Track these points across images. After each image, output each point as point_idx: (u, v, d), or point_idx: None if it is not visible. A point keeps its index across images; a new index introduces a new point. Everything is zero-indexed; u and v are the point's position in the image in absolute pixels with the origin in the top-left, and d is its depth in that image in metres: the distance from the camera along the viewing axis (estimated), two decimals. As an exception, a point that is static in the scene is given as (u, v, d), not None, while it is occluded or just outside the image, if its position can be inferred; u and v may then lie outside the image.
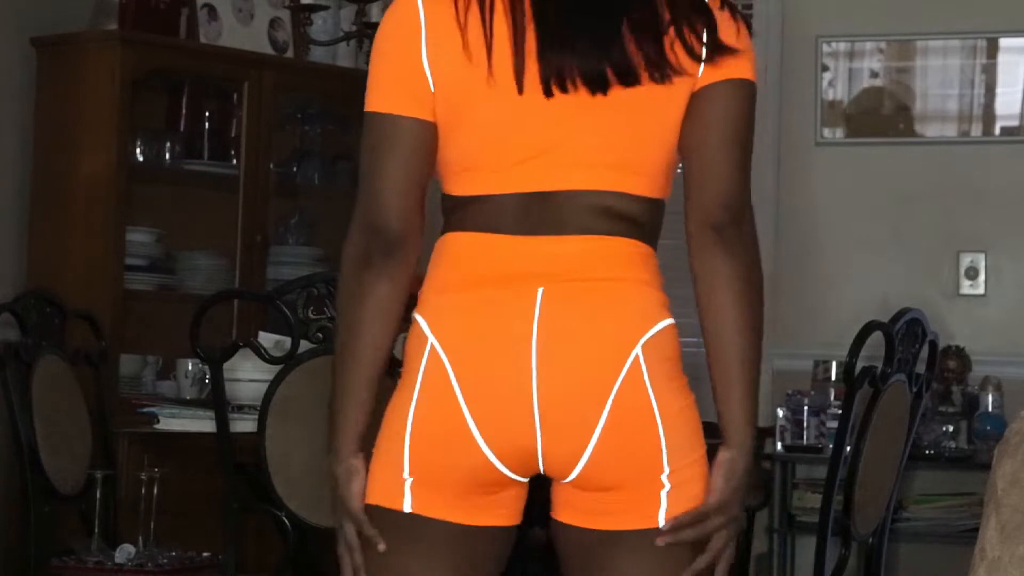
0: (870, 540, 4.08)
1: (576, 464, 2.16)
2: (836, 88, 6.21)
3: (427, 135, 2.22)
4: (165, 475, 4.26)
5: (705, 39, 2.21)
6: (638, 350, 2.16)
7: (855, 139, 6.19)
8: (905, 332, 3.98)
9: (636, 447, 2.16)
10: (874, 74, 6.21)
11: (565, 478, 2.19)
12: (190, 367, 5.18)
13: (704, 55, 2.20)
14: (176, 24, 5.64)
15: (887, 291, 5.90)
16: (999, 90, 6.06)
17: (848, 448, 3.98)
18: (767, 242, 6.19)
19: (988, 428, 5.64)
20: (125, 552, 4.20)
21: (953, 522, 5.60)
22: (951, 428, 5.72)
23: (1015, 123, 6.06)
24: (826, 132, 6.19)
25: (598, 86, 2.16)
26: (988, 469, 2.39)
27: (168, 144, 5.69)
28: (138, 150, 5.59)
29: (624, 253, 2.20)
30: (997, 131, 6.09)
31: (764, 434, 5.76)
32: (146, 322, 5.59)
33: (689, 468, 2.21)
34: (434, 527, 2.20)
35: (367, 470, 2.25)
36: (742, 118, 2.27)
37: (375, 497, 2.25)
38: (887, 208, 6.08)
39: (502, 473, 2.18)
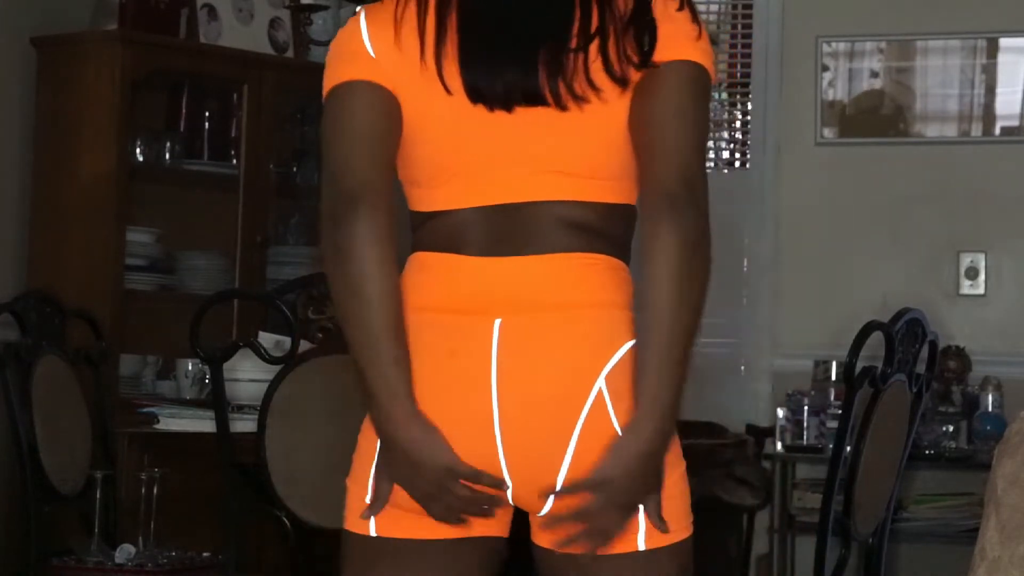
0: (870, 540, 4.08)
1: (545, 504, 2.14)
2: (836, 88, 6.21)
3: (382, 94, 2.19)
4: (165, 475, 4.26)
5: (646, 47, 2.15)
6: (600, 383, 2.10)
7: (855, 139, 6.19)
8: (905, 332, 3.98)
9: None
10: (874, 74, 6.21)
11: (537, 513, 2.17)
12: (190, 367, 5.18)
13: (640, 61, 2.15)
14: (176, 24, 5.64)
15: (887, 291, 5.90)
16: (999, 90, 6.06)
17: (848, 448, 3.98)
18: (767, 242, 6.19)
19: (988, 428, 5.64)
20: (125, 552, 4.20)
21: (953, 522, 5.60)
22: (951, 428, 5.72)
23: (1015, 123, 6.06)
24: (826, 132, 6.19)
25: (519, 103, 2.14)
26: (988, 469, 2.39)
27: (168, 144, 5.69)
28: (138, 150, 5.58)
29: (587, 272, 2.14)
30: (997, 131, 6.09)
31: (764, 434, 5.76)
32: (146, 322, 5.59)
33: (667, 494, 2.16)
34: (406, 547, 2.19)
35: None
36: (690, 94, 2.16)
37: (348, 523, 2.25)
38: (887, 208, 6.08)
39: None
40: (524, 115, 2.14)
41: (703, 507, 6.01)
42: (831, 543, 4.01)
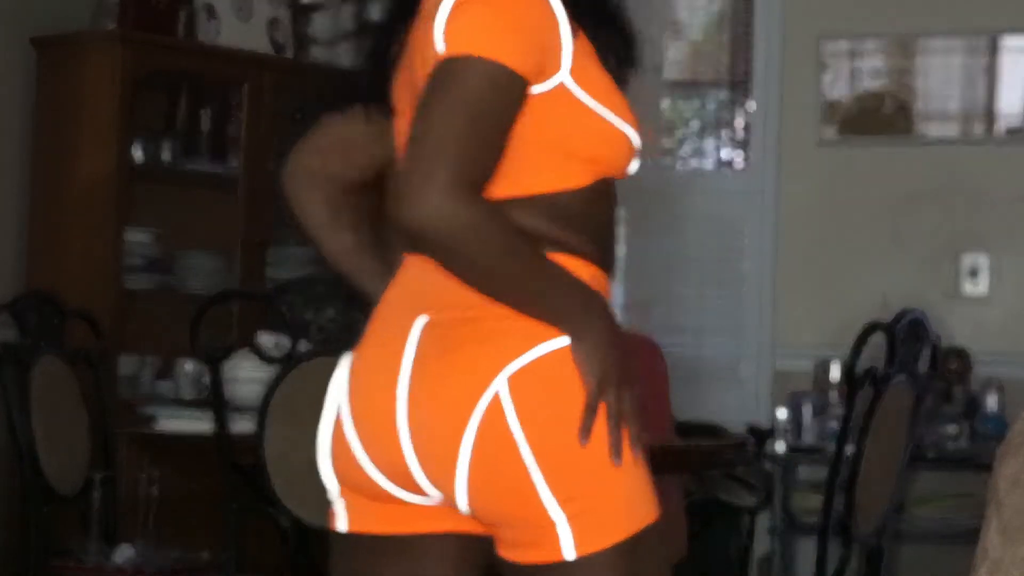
0: (871, 541, 4.08)
1: (456, 500, 2.12)
2: (836, 88, 6.20)
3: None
4: (165, 475, 4.27)
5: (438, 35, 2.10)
6: (499, 385, 2.06)
7: (855, 139, 6.18)
8: (906, 333, 3.98)
9: (505, 484, 2.07)
10: (875, 74, 6.20)
11: (461, 511, 2.15)
12: (189, 367, 5.17)
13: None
14: (175, 24, 5.63)
15: (888, 291, 5.89)
16: (1001, 89, 6.06)
17: (849, 449, 3.98)
18: (767, 242, 6.19)
19: (989, 429, 5.63)
20: (124, 552, 4.20)
21: (955, 523, 5.59)
22: (953, 429, 5.72)
23: (1017, 123, 6.05)
24: (826, 132, 6.18)
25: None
26: (990, 470, 2.38)
27: (168, 144, 5.68)
28: (138, 150, 5.58)
29: None
30: (999, 131, 6.08)
31: (765, 435, 5.76)
32: (146, 322, 5.58)
33: (593, 495, 2.09)
34: (377, 542, 2.20)
35: None
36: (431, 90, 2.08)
37: (331, 521, 2.28)
38: (888, 208, 6.07)
39: (401, 495, 2.17)
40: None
41: (704, 507, 6.02)
42: (832, 544, 4.01)
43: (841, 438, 4.02)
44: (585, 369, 2.08)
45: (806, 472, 5.85)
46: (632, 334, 5.54)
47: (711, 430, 5.42)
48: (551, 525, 2.07)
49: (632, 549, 2.10)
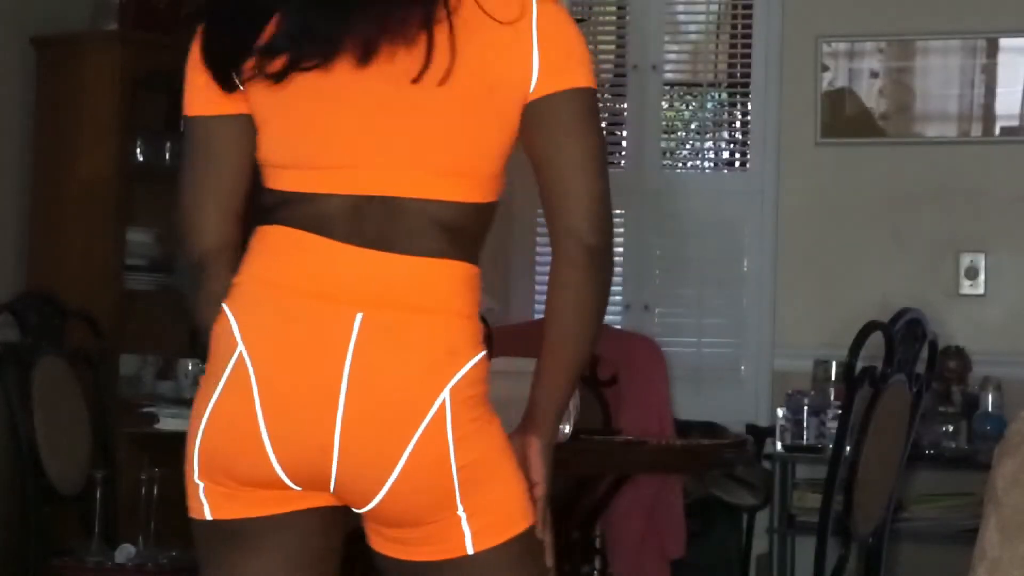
0: (870, 540, 4.08)
1: (370, 501, 2.13)
2: (835, 89, 6.20)
3: (239, 133, 2.25)
4: (165, 475, 4.26)
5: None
6: (446, 395, 2.10)
7: (855, 139, 6.19)
8: (905, 332, 3.99)
9: (430, 490, 2.11)
10: (874, 74, 6.21)
11: (358, 509, 2.17)
12: (190, 367, 5.17)
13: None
14: (176, 24, 5.64)
15: (887, 291, 5.89)
16: (999, 90, 6.06)
17: (848, 448, 3.98)
18: (767, 242, 6.19)
19: (988, 428, 5.63)
20: (125, 552, 4.20)
21: (953, 522, 5.59)
22: (951, 428, 5.72)
23: (1015, 123, 6.06)
24: (825, 132, 6.18)
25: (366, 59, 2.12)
26: (988, 469, 2.39)
27: (168, 144, 5.69)
28: (138, 150, 5.58)
29: (447, 280, 2.13)
30: (997, 131, 6.09)
31: (764, 434, 5.76)
32: (146, 322, 5.59)
33: (493, 499, 2.15)
34: (244, 527, 2.20)
35: None
36: (587, 124, 2.19)
37: (191, 510, 2.30)
38: (887, 208, 6.08)
39: (289, 487, 2.16)
40: (389, 99, 2.14)
41: (703, 507, 6.02)
42: (831, 543, 4.01)
43: (840, 437, 4.03)
44: (539, 465, 2.24)
45: (805, 471, 5.86)
46: (632, 334, 5.55)
47: (711, 430, 5.42)
48: (458, 522, 2.13)
49: (525, 542, 2.18)
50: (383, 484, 2.11)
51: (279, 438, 2.11)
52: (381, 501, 2.12)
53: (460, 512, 2.13)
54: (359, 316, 2.10)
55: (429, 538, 2.14)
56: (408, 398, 2.10)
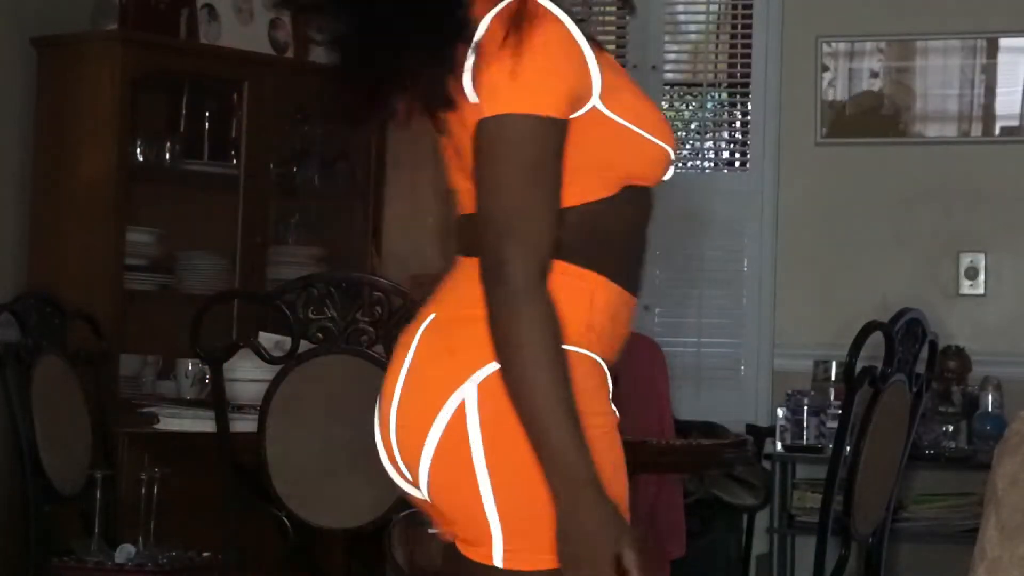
0: (870, 540, 4.08)
1: (423, 490, 2.19)
2: (836, 88, 6.21)
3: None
4: (165, 475, 4.26)
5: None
6: (467, 391, 2.11)
7: (855, 139, 6.19)
8: (905, 332, 3.99)
9: (457, 485, 2.13)
10: (874, 74, 6.21)
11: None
12: (190, 367, 5.17)
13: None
14: (176, 24, 5.64)
15: (887, 291, 5.90)
16: (999, 90, 6.06)
17: (848, 448, 3.98)
18: (767, 242, 6.20)
19: (988, 428, 5.64)
20: (125, 552, 4.20)
21: (953, 522, 5.60)
22: (951, 428, 5.72)
23: (1015, 123, 6.06)
24: (825, 132, 6.19)
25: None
26: (988, 469, 2.39)
27: (168, 144, 5.69)
28: (138, 150, 5.58)
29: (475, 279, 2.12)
30: (997, 131, 6.09)
31: (764, 434, 5.77)
32: (146, 322, 5.59)
33: (531, 518, 2.09)
34: None
35: None
36: (489, 156, 2.13)
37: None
38: (887, 208, 6.08)
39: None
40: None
41: (703, 507, 6.02)
42: (831, 543, 4.02)
43: (840, 437, 4.03)
44: (559, 546, 2.04)
45: (805, 471, 5.86)
46: (632, 334, 5.55)
47: (711, 430, 5.42)
48: (487, 529, 2.11)
49: None
50: (419, 479, 2.18)
51: (382, 433, 2.28)
52: (429, 492, 2.19)
53: (490, 515, 2.12)
54: (431, 316, 2.22)
55: (468, 536, 2.17)
56: (432, 387, 2.15)
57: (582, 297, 2.16)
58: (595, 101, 2.15)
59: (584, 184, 2.17)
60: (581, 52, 2.14)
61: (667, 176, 2.26)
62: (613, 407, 2.19)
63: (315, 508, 3.73)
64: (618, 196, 2.21)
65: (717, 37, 6.57)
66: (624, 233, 2.23)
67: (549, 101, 2.10)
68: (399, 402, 2.18)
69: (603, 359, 2.18)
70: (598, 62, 2.16)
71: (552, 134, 2.10)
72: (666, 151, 2.22)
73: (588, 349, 2.15)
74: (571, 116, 2.12)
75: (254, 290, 5.52)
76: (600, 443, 2.08)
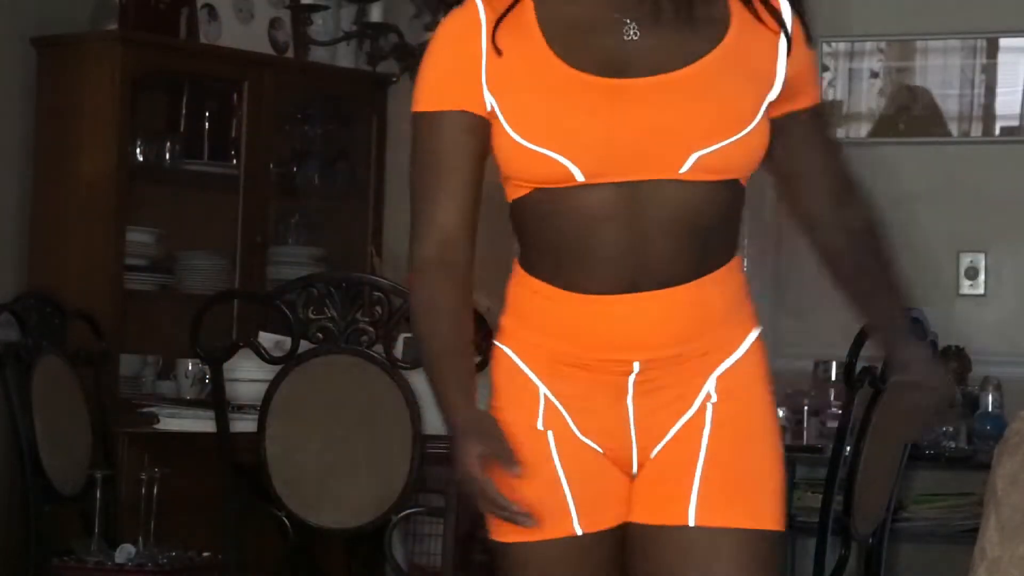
0: (870, 540, 4.08)
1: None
2: (836, 88, 6.21)
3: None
4: (165, 475, 4.26)
5: None
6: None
7: (855, 139, 6.19)
8: (905, 332, 3.98)
9: None
10: (874, 74, 6.21)
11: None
12: (190, 367, 5.18)
13: None
14: (176, 24, 5.64)
15: (887, 291, 5.89)
16: (999, 90, 6.06)
17: (848, 448, 3.98)
18: (767, 242, 6.19)
19: (988, 428, 5.63)
20: (125, 552, 4.20)
21: (953, 522, 5.59)
22: (951, 428, 5.72)
23: (1015, 123, 6.06)
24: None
25: None
26: (988, 469, 2.39)
27: (168, 144, 5.69)
28: (138, 150, 5.59)
29: None
30: (997, 131, 6.09)
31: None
32: (146, 322, 5.59)
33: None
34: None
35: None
36: None
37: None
38: (887, 208, 6.03)
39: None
40: None
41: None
42: (831, 543, 4.02)
43: (840, 438, 4.03)
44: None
45: (805, 471, 5.85)
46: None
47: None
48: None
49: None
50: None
51: None
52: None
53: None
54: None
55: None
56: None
57: (514, 295, 2.28)
58: (491, 102, 2.20)
59: (506, 186, 2.25)
60: (478, 56, 2.19)
61: (580, 179, 2.18)
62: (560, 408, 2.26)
63: (315, 508, 3.73)
64: (531, 197, 2.22)
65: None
66: (546, 232, 2.23)
67: (421, 97, 2.23)
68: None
69: (558, 355, 2.24)
70: (516, 64, 2.19)
71: (424, 127, 2.23)
72: (560, 163, 2.17)
73: (505, 344, 2.28)
74: (471, 111, 2.20)
75: (254, 290, 5.52)
76: None
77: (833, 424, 5.47)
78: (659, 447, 2.25)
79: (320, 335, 3.71)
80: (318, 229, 6.13)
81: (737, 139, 2.19)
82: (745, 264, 7.01)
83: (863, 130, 6.19)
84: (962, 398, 5.80)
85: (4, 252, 5.48)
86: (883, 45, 6.18)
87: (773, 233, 6.19)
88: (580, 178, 2.17)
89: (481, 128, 2.21)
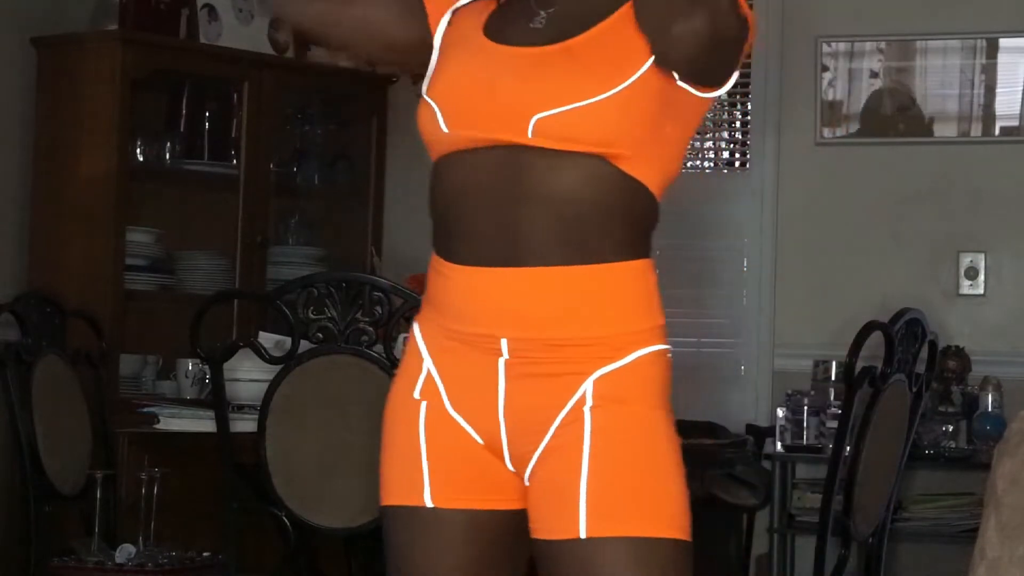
0: (870, 540, 4.08)
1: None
2: (836, 88, 6.21)
3: None
4: (165, 475, 4.26)
5: None
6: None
7: (855, 139, 6.19)
8: (905, 332, 3.99)
9: None
10: (874, 74, 6.21)
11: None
12: (190, 367, 5.18)
13: None
14: (176, 24, 5.64)
15: (887, 291, 5.89)
16: (999, 90, 6.06)
17: (848, 448, 3.98)
18: (767, 242, 6.19)
19: (988, 428, 5.64)
20: (125, 552, 4.20)
21: (953, 522, 5.60)
22: (951, 428, 5.72)
23: (1015, 123, 6.06)
24: (826, 132, 6.19)
25: None
26: (988, 469, 2.39)
27: (168, 144, 5.69)
28: (138, 150, 5.59)
29: None
30: (997, 131, 6.09)
31: (764, 434, 5.76)
32: (146, 322, 5.59)
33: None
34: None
35: None
36: None
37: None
38: (887, 208, 6.08)
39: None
40: None
41: (703, 507, 6.00)
42: (831, 543, 4.02)
43: (839, 437, 4.03)
44: None
45: (805, 471, 5.86)
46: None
47: (711, 430, 5.42)
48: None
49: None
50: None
51: None
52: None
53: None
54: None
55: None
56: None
57: (428, 275, 2.34)
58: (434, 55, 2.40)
59: None
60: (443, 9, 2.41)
61: (445, 129, 2.29)
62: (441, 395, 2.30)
63: (315, 508, 3.73)
64: (431, 172, 2.33)
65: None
66: (437, 203, 2.32)
67: None
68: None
69: (444, 330, 2.30)
70: (457, 33, 2.37)
71: None
72: (430, 106, 2.30)
73: (416, 322, 2.35)
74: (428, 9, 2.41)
75: (254, 290, 5.52)
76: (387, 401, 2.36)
77: (833, 424, 5.48)
78: (538, 453, 2.25)
79: (320, 335, 3.71)
80: (318, 229, 6.13)
81: (580, 106, 2.21)
82: (745, 264, 7.01)
83: (863, 130, 6.19)
84: (962, 398, 5.81)
85: (4, 252, 5.48)
86: (883, 45, 6.18)
87: (772, 233, 6.19)
88: (443, 127, 2.28)
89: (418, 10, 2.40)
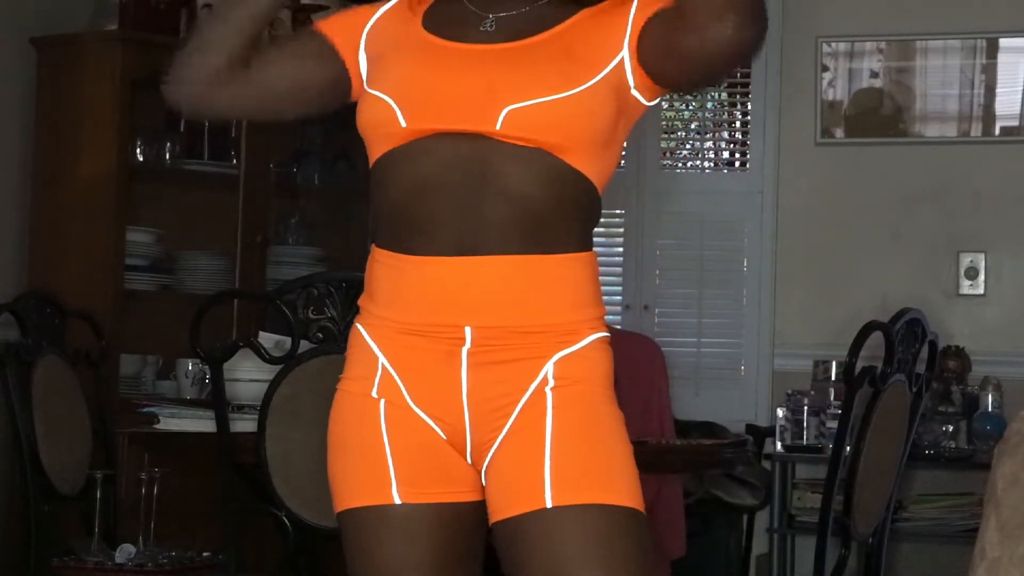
0: (870, 540, 4.08)
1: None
2: (836, 88, 6.21)
3: None
4: (165, 475, 4.26)
5: None
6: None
7: (855, 139, 6.19)
8: (905, 332, 3.99)
9: None
10: (874, 74, 6.21)
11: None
12: (190, 367, 5.18)
13: None
14: (176, 24, 5.63)
15: (887, 291, 5.90)
16: (999, 90, 6.07)
17: (848, 448, 3.98)
18: (767, 242, 6.20)
19: (988, 428, 5.64)
20: (125, 552, 4.20)
21: (953, 522, 5.60)
22: (951, 428, 5.72)
23: (1015, 123, 6.06)
24: (825, 132, 6.19)
25: None
26: (988, 469, 2.39)
27: (168, 144, 5.69)
28: (138, 150, 5.58)
29: None
30: (997, 131, 6.09)
31: (764, 434, 5.77)
32: (146, 322, 5.59)
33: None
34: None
35: None
36: None
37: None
38: (887, 208, 6.08)
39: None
40: None
41: (703, 507, 6.01)
42: (831, 543, 4.01)
43: (839, 437, 4.03)
44: None
45: (805, 471, 5.86)
46: (632, 334, 5.55)
47: (711, 430, 5.42)
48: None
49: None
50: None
51: None
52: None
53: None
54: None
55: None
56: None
57: (367, 273, 2.37)
58: (363, 62, 2.41)
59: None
60: (366, 17, 2.44)
61: (419, 125, 2.30)
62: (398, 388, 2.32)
63: (315, 508, 3.72)
64: (377, 164, 2.33)
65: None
66: (389, 194, 2.31)
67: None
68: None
69: (397, 325, 2.31)
70: (390, 33, 2.39)
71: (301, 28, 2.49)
72: (384, 102, 2.30)
73: (359, 322, 2.35)
74: (337, 48, 2.44)
75: (254, 290, 5.52)
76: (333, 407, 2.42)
77: (833, 424, 5.49)
78: (499, 440, 2.28)
79: (320, 335, 3.71)
80: (318, 229, 6.13)
81: (548, 101, 2.23)
82: (745, 264, 7.04)
83: (863, 130, 6.19)
84: (962, 398, 5.81)
85: (4, 252, 5.48)
86: (883, 45, 6.18)
87: (772, 233, 6.19)
88: (402, 121, 2.28)
89: (328, 62, 2.42)
